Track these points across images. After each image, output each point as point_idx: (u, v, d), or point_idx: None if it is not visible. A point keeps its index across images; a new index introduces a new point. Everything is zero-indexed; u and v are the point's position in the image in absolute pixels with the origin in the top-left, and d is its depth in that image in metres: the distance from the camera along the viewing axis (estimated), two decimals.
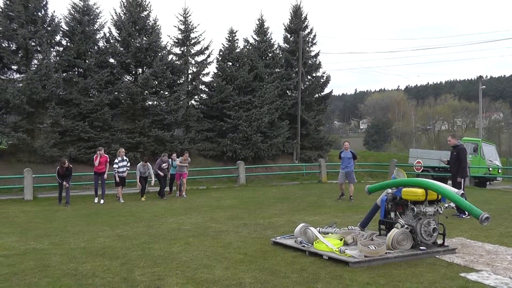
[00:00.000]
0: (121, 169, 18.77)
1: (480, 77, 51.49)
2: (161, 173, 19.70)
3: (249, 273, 6.99)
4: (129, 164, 19.34)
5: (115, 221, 12.89)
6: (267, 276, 6.82)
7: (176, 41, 34.70)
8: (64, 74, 28.79)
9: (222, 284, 6.44)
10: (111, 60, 30.86)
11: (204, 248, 8.78)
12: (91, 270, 7.21)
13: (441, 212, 8.58)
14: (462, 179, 13.93)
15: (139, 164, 19.50)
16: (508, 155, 59.58)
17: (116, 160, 18.93)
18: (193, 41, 34.94)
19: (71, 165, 18.24)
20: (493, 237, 9.92)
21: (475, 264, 7.59)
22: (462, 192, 8.65)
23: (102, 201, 18.10)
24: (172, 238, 9.80)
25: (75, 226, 11.96)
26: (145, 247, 8.92)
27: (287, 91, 37.73)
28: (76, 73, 29.69)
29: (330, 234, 9.07)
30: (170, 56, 33.40)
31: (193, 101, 35.05)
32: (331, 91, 41.37)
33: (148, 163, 19.44)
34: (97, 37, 30.71)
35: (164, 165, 19.90)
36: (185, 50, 34.83)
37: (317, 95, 39.51)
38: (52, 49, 28.83)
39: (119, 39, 31.03)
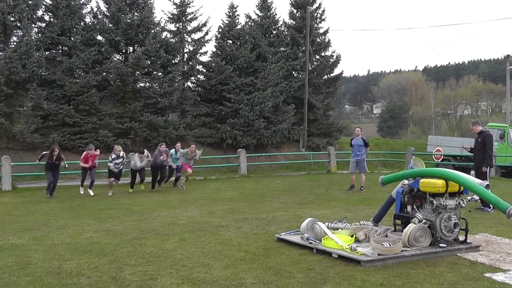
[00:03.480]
0: (115, 166, 18.47)
1: (508, 56, 51.10)
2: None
3: (250, 272, 6.98)
4: (126, 160, 19.05)
5: (103, 214, 12.90)
6: (271, 276, 6.81)
7: (171, 17, 34.67)
8: (46, 53, 28.76)
9: (221, 285, 6.43)
10: (99, 38, 30.82)
11: (201, 245, 8.77)
12: (76, 268, 7.21)
13: (463, 205, 8.50)
14: (488, 169, 13.89)
15: (135, 156, 19.18)
16: None
17: (110, 158, 18.66)
18: (189, 17, 34.91)
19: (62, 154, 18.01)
20: None
21: (502, 264, 7.52)
22: (487, 183, 8.59)
23: (91, 193, 17.97)
24: (166, 234, 9.80)
25: (59, 220, 11.96)
26: (136, 243, 8.92)
27: (293, 72, 37.67)
28: (60, 51, 29.66)
29: (340, 230, 9.05)
30: (164, 34, 33.45)
31: (189, 83, 35.14)
32: (342, 72, 41.47)
33: (145, 154, 19.17)
34: (84, 12, 30.69)
35: (162, 157, 19.34)
36: (181, 27, 34.80)
37: (326, 76, 39.51)
38: (33, 25, 28.82)
39: (108, 14, 30.98)
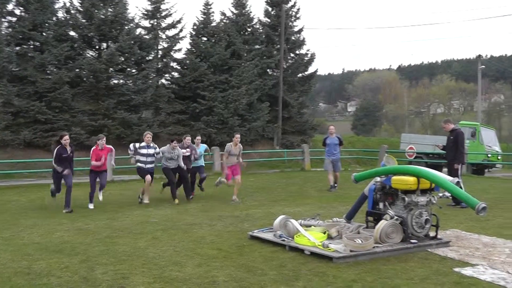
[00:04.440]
0: (148, 162, 14.56)
1: (480, 56, 52.05)
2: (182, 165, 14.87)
3: (223, 270, 6.99)
4: (160, 154, 14.76)
5: (75, 213, 12.78)
6: (243, 273, 6.83)
7: (145, 13, 34.52)
8: (17, 48, 28.39)
9: (193, 283, 6.42)
10: (72, 33, 30.51)
11: (174, 243, 8.75)
12: (47, 268, 7.12)
13: (434, 202, 8.66)
14: (459, 166, 14.05)
15: (165, 147, 14.80)
16: (509, 141, 60.45)
17: (133, 148, 14.67)
18: (163, 13, 34.78)
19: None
20: (490, 228, 10.07)
21: (471, 258, 7.68)
22: (458, 180, 8.75)
23: (100, 197, 14.22)
24: (138, 232, 9.75)
25: (29, 219, 11.81)
26: (108, 242, 8.85)
27: (268, 70, 37.79)
28: (32, 47, 29.31)
29: (312, 227, 9.09)
30: (138, 30, 33.24)
31: (163, 80, 35.02)
32: (316, 70, 41.67)
33: (177, 144, 14.82)
34: (56, 7, 30.36)
35: (185, 151, 15.19)
36: (155, 24, 34.67)
37: (300, 74, 39.72)
38: (3, 19, 28.41)
39: (81, 9, 30.68)
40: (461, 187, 8.98)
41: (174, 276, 6.71)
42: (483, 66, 52.24)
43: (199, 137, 16.74)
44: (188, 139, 15.43)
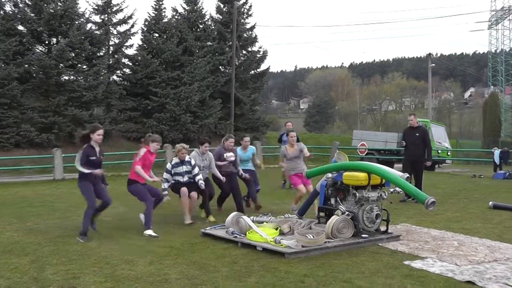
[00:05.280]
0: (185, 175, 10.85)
1: (430, 54, 53.39)
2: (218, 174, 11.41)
3: (175, 268, 6.98)
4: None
5: (25, 212, 12.54)
6: (195, 270, 6.83)
7: (96, 8, 34.14)
8: None
9: (145, 281, 6.39)
10: (20, 28, 29.94)
11: (126, 242, 8.72)
12: None
13: (385, 197, 8.84)
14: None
15: (193, 153, 11.48)
16: (459, 137, 61.74)
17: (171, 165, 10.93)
18: (114, 8, 34.46)
19: None
20: (439, 222, 10.35)
21: (420, 251, 7.88)
22: (407, 175, 8.97)
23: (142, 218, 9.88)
24: (90, 231, 9.64)
25: None
26: (59, 242, 8.74)
27: (220, 67, 37.79)
28: None
29: (265, 223, 9.17)
30: (89, 25, 32.93)
31: (115, 77, 34.69)
32: (268, 68, 41.92)
33: (208, 149, 11.57)
34: (3, 1, 29.66)
35: (229, 154, 11.89)
36: (106, 19, 34.31)
37: (253, 71, 39.87)
38: None
39: (30, 3, 30.13)
40: (410, 183, 9.18)
41: (126, 274, 6.66)
42: (434, 65, 53.31)
43: (247, 138, 13.03)
44: (231, 141, 12.11)
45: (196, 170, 10.75)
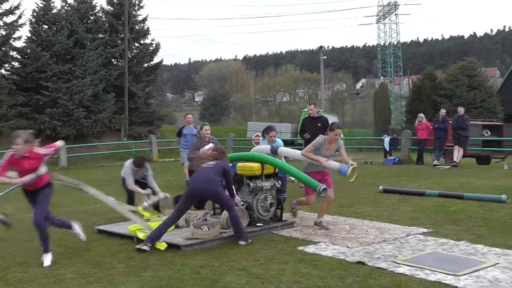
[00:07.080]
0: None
1: (321, 47, 55.00)
2: None
3: (70, 267, 6.92)
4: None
5: None
6: (91, 269, 6.83)
7: None
8: None
9: (39, 283, 6.29)
10: None
11: (18, 243, 8.45)
12: None
13: (278, 186, 9.32)
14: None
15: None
16: (351, 126, 63.99)
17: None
18: None
19: None
20: (332, 208, 10.48)
21: (313, 237, 8.29)
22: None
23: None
24: None
25: None
26: None
27: (113, 60, 37.34)
28: None
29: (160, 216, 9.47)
30: None
31: (3, 71, 33.46)
32: (162, 60, 41.95)
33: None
34: None
35: (208, 147, 9.84)
36: None
37: (146, 64, 39.72)
38: None
39: None
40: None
41: (18, 277, 6.53)
42: (325, 57, 55.36)
43: (274, 132, 11.16)
44: (206, 129, 11.61)
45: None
